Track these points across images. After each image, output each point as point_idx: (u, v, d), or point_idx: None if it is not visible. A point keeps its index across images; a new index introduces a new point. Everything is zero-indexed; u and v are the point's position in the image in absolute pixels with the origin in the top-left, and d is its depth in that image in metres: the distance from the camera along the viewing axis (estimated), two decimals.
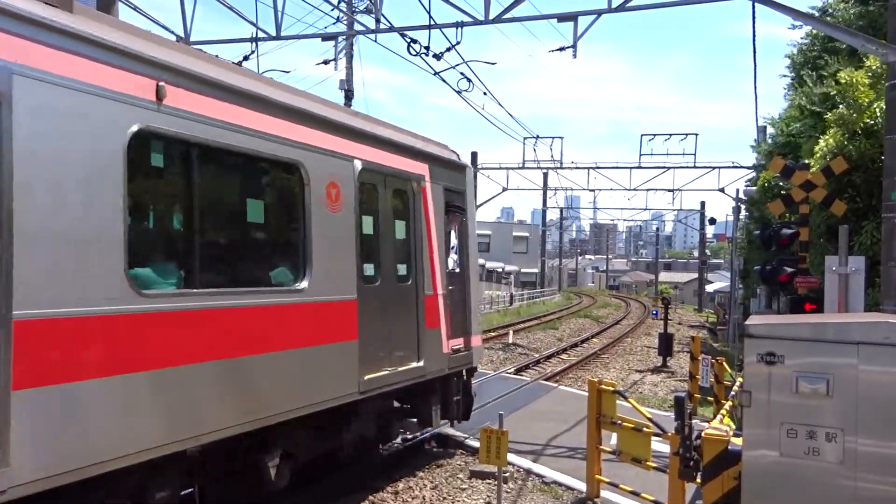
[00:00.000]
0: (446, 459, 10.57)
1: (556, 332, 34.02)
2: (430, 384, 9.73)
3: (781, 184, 19.61)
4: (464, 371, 10.71)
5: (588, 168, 41.01)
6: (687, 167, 37.78)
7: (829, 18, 19.23)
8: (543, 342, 29.41)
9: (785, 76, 26.38)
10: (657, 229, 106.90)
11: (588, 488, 8.78)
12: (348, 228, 7.80)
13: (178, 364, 5.64)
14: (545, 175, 52.58)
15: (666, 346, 23.51)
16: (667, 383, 20.27)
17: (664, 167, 38.38)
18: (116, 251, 5.18)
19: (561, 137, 40.09)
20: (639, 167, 38.77)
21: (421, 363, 9.18)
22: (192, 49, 6.59)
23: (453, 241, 10.51)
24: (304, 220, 7.15)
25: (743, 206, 34.88)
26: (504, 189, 42.07)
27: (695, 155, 37.72)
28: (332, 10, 21.01)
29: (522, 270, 76.73)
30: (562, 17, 13.84)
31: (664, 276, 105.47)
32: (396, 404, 9.72)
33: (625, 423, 8.29)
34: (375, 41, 16.46)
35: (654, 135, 38.33)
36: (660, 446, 8.07)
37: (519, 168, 40.07)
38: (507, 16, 14.05)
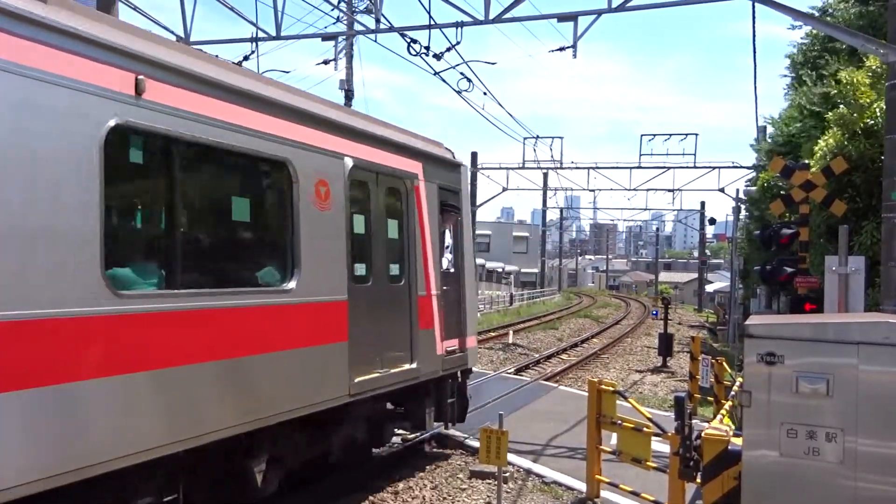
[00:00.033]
0: (446, 459, 10.57)
1: (556, 332, 34.03)
2: (424, 386, 9.59)
3: (781, 184, 19.62)
4: (459, 373, 10.57)
5: (588, 168, 40.97)
6: (687, 167, 37.72)
7: (829, 18, 19.25)
8: (543, 342, 29.41)
9: (785, 76, 26.43)
10: (657, 229, 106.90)
11: (588, 488, 8.78)
12: (338, 227, 7.64)
13: (157, 367, 5.44)
14: (545, 175, 52.59)
15: (666, 346, 23.51)
16: (667, 383, 20.27)
17: (664, 167, 38.34)
18: (91, 251, 4.99)
19: (561, 137, 40.09)
20: (639, 167, 38.71)
21: (414, 365, 9.04)
22: (175, 43, 6.38)
23: (448, 240, 10.39)
24: (292, 219, 6.98)
25: (743, 207, 34.89)
26: (504, 189, 42.03)
27: (695, 155, 37.67)
28: (332, 10, 21.05)
29: (522, 270, 76.78)
30: (562, 17, 13.84)
31: (664, 276, 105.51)
32: (390, 406, 9.60)
33: (625, 423, 8.28)
34: (375, 41, 16.48)
35: (654, 135, 38.28)
36: (660, 446, 8.06)
37: (519, 168, 40.05)
38: (507, 16, 14.05)
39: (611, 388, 8.69)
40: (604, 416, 8.63)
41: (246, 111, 6.48)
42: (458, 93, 17.22)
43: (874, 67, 14.41)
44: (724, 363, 12.12)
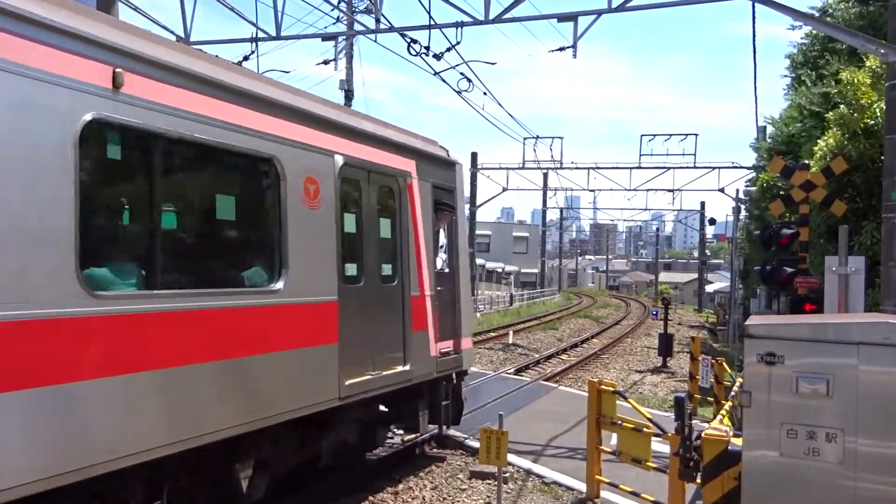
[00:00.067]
0: (446, 460, 10.56)
1: (556, 333, 34.03)
2: (418, 388, 9.44)
3: (781, 184, 19.61)
4: (453, 374, 10.42)
5: (588, 168, 41.01)
6: (687, 167, 37.77)
7: (829, 18, 19.24)
8: (543, 342, 29.41)
9: (785, 76, 26.40)
10: (657, 229, 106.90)
11: (588, 489, 8.78)
12: (328, 226, 7.44)
13: (135, 371, 5.24)
14: (545, 175, 52.62)
15: (666, 346, 23.52)
16: (667, 384, 20.27)
17: (664, 167, 38.38)
18: (65, 250, 4.80)
19: (561, 137, 40.17)
20: (639, 167, 38.76)
21: (407, 367, 8.86)
22: (156, 36, 6.19)
23: (442, 240, 10.22)
24: (280, 218, 6.79)
25: (743, 207, 34.89)
26: (504, 189, 42.10)
27: (695, 155, 37.73)
28: (332, 10, 21.06)
29: (522, 271, 76.81)
30: (562, 17, 13.84)
31: (664, 276, 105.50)
32: (383, 409, 9.41)
33: (625, 424, 8.28)
34: (375, 41, 16.49)
35: (654, 135, 38.32)
36: (660, 447, 8.06)
37: (519, 168, 40.10)
38: (507, 16, 14.05)
39: (611, 389, 8.69)
40: (604, 417, 8.63)
41: (231, 106, 6.31)
42: (458, 93, 17.24)
43: (874, 67, 14.41)
44: (724, 363, 12.12)
